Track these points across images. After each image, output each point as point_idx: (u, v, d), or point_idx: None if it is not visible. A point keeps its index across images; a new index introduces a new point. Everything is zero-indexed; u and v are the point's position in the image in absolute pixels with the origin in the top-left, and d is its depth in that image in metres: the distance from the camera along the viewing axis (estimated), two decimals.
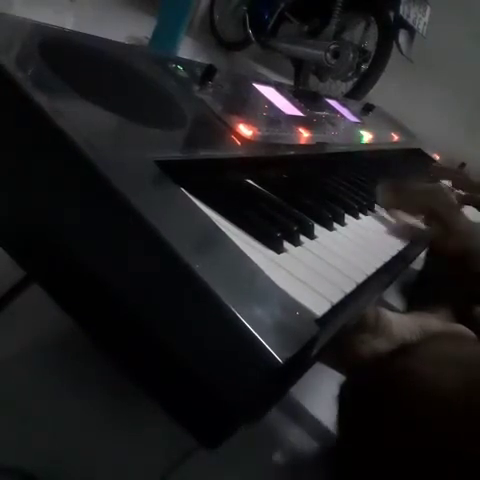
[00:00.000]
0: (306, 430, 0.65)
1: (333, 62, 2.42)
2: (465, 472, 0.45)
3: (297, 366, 0.31)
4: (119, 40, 0.55)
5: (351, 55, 2.43)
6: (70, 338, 0.57)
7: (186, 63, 0.62)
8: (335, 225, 0.51)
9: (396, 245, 0.56)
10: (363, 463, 0.54)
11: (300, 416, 0.66)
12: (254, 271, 0.34)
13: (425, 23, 2.40)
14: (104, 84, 0.46)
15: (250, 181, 0.50)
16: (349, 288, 0.40)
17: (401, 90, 2.84)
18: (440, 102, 2.88)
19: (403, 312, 0.92)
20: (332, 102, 0.96)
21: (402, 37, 2.33)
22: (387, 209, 0.63)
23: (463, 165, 1.21)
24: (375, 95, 2.38)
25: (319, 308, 0.34)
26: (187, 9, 1.85)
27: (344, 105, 0.99)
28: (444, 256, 0.63)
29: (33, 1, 1.80)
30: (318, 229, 0.47)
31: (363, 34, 2.51)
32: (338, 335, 0.37)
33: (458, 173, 0.99)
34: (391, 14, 2.31)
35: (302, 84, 2.71)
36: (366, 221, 0.58)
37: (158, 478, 0.50)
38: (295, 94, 0.81)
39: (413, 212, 0.63)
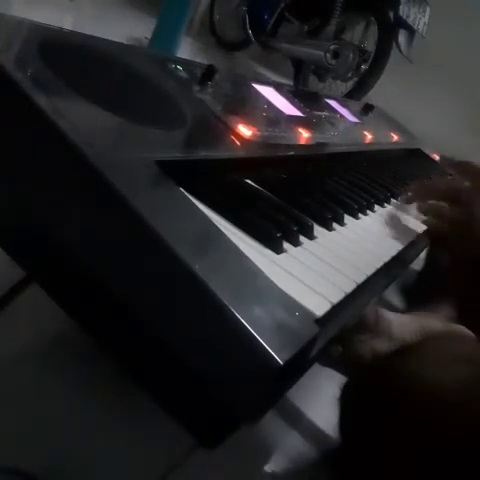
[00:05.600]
0: (306, 430, 0.65)
1: (333, 62, 2.42)
2: (465, 472, 0.45)
3: (297, 366, 0.31)
4: (119, 40, 0.55)
5: (351, 55, 2.42)
6: (70, 338, 0.57)
7: (186, 63, 0.62)
8: (335, 225, 0.51)
9: (396, 245, 0.56)
10: (364, 463, 0.54)
11: (300, 416, 0.66)
12: (254, 271, 0.34)
13: (425, 23, 2.39)
14: (104, 84, 0.46)
15: (250, 181, 0.50)
16: (349, 288, 0.40)
17: (401, 90, 2.84)
18: (440, 102, 2.87)
19: (403, 312, 0.92)
20: (332, 102, 0.96)
21: (402, 37, 2.33)
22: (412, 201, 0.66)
23: None
24: (375, 95, 2.38)
25: (319, 308, 0.34)
26: (187, 9, 1.85)
27: (344, 105, 0.99)
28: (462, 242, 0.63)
29: (33, 1, 1.80)
30: (318, 229, 0.47)
31: (363, 34, 2.50)
32: (338, 335, 0.37)
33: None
34: (391, 14, 2.31)
35: (302, 84, 2.71)
36: (366, 221, 0.58)
37: (158, 478, 0.50)
38: (295, 94, 0.81)
39: (437, 197, 0.65)
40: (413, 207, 0.71)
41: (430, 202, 0.66)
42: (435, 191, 0.66)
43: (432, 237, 0.64)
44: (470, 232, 0.61)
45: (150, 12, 2.53)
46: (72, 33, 0.50)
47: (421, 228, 0.65)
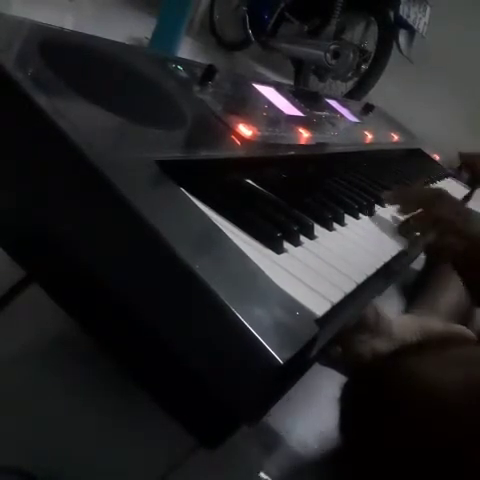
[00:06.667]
0: (306, 430, 0.65)
1: (333, 62, 2.42)
2: (465, 472, 0.45)
3: (297, 366, 0.31)
4: (119, 40, 0.55)
5: (351, 55, 2.42)
6: (70, 338, 0.57)
7: (186, 63, 0.62)
8: (335, 225, 0.51)
9: (396, 245, 0.56)
10: (364, 463, 0.54)
11: (300, 416, 0.66)
12: (254, 271, 0.34)
13: (425, 23, 2.39)
14: (104, 84, 0.46)
15: (250, 181, 0.50)
16: (349, 288, 0.40)
17: (401, 90, 2.84)
18: (440, 102, 2.87)
19: (403, 312, 0.92)
20: (332, 102, 0.96)
21: (402, 37, 2.33)
22: (390, 203, 0.63)
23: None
24: (375, 95, 2.37)
25: (319, 308, 0.34)
26: (187, 9, 1.85)
27: (344, 105, 0.99)
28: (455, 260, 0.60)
29: (33, 1, 1.80)
30: (318, 229, 0.47)
31: (363, 34, 2.50)
32: (338, 335, 0.37)
33: None
34: (391, 14, 2.31)
35: (302, 84, 2.71)
36: (366, 221, 0.58)
37: (158, 478, 0.50)
38: (295, 94, 0.81)
39: (412, 209, 0.61)
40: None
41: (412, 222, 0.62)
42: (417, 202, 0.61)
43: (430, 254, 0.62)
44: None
45: (150, 12, 2.53)
46: (72, 33, 0.50)
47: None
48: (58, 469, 0.46)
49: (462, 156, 1.12)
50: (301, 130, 0.67)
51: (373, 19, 2.45)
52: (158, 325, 0.32)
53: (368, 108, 1.09)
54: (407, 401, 0.50)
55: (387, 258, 0.51)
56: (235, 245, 0.35)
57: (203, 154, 0.46)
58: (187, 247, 0.31)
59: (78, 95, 0.39)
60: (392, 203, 0.63)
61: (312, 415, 0.67)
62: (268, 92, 0.74)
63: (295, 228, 0.43)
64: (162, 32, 1.84)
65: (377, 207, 0.63)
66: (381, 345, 0.56)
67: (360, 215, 0.58)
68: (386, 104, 1.36)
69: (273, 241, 0.39)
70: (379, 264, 0.48)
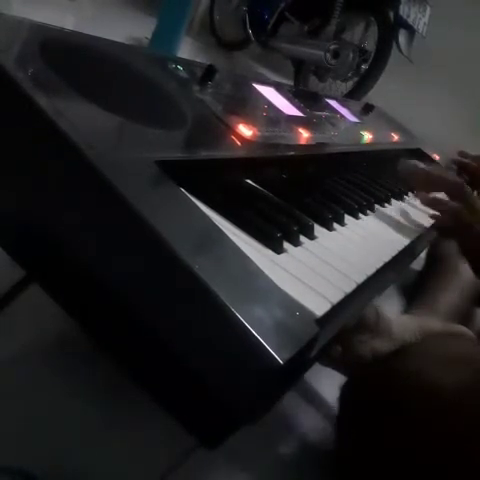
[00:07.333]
0: (306, 430, 0.65)
1: (333, 62, 2.42)
2: (464, 472, 0.45)
3: (297, 366, 0.31)
4: (119, 40, 0.55)
5: (351, 55, 2.43)
6: (70, 338, 0.57)
7: (186, 63, 0.62)
8: (335, 225, 0.51)
9: (396, 245, 0.56)
10: (364, 463, 0.54)
11: (299, 416, 0.66)
12: (254, 271, 0.34)
13: (425, 23, 2.39)
14: (104, 84, 0.46)
15: (250, 181, 0.50)
16: (349, 288, 0.40)
17: (401, 90, 2.84)
18: (440, 102, 2.87)
19: (403, 312, 0.92)
20: (332, 102, 0.96)
21: (402, 37, 2.33)
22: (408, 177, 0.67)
23: None
24: (375, 95, 2.37)
25: (319, 308, 0.34)
26: (187, 9, 1.85)
27: (344, 105, 0.99)
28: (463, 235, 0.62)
29: (33, 1, 1.80)
30: (318, 229, 0.47)
31: (363, 34, 2.50)
32: (338, 335, 0.37)
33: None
34: (391, 14, 2.31)
35: (302, 84, 2.71)
36: (366, 221, 0.58)
37: (158, 478, 0.50)
38: (295, 94, 0.81)
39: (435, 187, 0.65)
40: (412, 209, 0.71)
41: (432, 195, 0.66)
42: (438, 184, 0.65)
43: (438, 230, 0.64)
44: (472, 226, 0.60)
45: (150, 12, 2.53)
46: (72, 33, 0.50)
47: (420, 229, 0.65)
48: (58, 469, 0.46)
49: (455, 162, 1.12)
50: (301, 130, 0.67)
51: (373, 19, 2.44)
52: (158, 325, 0.32)
53: (368, 108, 1.09)
54: (407, 401, 0.50)
55: (387, 258, 0.51)
56: (235, 245, 0.35)
57: (203, 154, 0.46)
58: (187, 247, 0.31)
59: (78, 95, 0.39)
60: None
61: (312, 415, 0.67)
62: (268, 92, 0.74)
63: (295, 228, 0.43)
64: (162, 32, 1.84)
65: (377, 207, 0.63)
66: (381, 345, 0.56)
67: (360, 215, 0.58)
68: (386, 104, 1.36)
69: (273, 241, 0.39)
70: (379, 264, 0.48)
